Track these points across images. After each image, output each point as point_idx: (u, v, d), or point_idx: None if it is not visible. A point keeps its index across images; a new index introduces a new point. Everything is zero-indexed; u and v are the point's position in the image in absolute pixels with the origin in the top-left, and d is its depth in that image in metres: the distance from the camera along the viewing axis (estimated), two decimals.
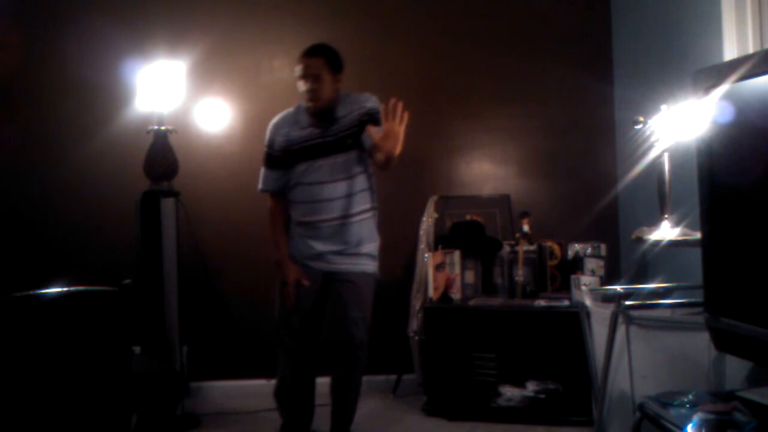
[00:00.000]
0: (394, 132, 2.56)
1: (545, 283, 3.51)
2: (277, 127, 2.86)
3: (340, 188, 2.76)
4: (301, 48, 3.82)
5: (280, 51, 3.83)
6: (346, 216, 2.77)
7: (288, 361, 2.87)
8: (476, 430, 3.16)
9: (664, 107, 2.50)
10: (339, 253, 2.79)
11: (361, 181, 2.80)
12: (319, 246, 2.79)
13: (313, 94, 2.70)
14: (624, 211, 3.79)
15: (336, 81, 2.75)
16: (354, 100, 2.79)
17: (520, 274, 3.48)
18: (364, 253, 2.82)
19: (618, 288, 2.68)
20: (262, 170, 2.92)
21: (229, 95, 3.82)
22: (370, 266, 2.84)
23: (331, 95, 2.74)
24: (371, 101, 2.78)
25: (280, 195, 2.88)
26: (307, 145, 2.79)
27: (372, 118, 2.72)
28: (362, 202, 2.80)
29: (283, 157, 2.83)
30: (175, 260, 3.27)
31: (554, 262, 3.52)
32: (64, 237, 3.69)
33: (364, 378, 3.69)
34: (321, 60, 2.71)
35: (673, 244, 2.45)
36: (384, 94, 3.82)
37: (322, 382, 2.95)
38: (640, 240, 2.54)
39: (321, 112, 2.75)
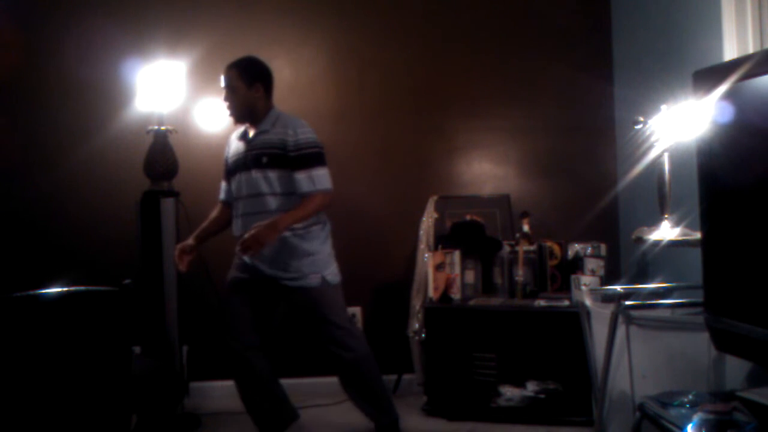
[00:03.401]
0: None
1: (545, 283, 3.51)
2: (230, 139, 2.96)
3: (255, 205, 2.74)
4: (302, 48, 3.85)
5: (280, 51, 3.83)
6: None
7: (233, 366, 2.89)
8: (476, 430, 3.16)
9: (664, 107, 2.50)
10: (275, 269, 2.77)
11: (276, 202, 2.72)
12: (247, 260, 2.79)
13: (227, 104, 2.79)
14: (624, 211, 3.79)
15: (253, 92, 2.76)
16: (283, 122, 2.75)
17: (520, 274, 3.48)
18: (296, 270, 2.75)
19: (618, 288, 2.68)
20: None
21: None
22: (311, 280, 2.76)
23: (247, 106, 2.77)
24: (303, 132, 2.71)
25: (227, 205, 2.96)
26: (235, 158, 2.85)
27: (301, 155, 2.68)
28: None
29: (226, 169, 2.94)
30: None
31: (554, 262, 3.52)
32: (64, 237, 3.69)
33: None
34: (233, 72, 2.78)
35: (673, 244, 2.45)
36: (384, 93, 3.87)
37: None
38: (640, 240, 2.54)
39: (243, 123, 2.83)
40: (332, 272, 2.82)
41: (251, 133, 2.82)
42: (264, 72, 2.84)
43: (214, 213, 2.99)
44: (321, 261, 2.79)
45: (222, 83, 2.81)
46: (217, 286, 3.65)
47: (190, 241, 2.87)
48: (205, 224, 2.97)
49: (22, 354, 1.81)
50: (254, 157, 2.75)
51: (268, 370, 2.88)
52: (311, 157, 2.70)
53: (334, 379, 3.35)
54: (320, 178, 2.70)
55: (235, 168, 2.84)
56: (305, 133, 2.72)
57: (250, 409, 2.88)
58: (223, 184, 2.98)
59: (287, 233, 2.71)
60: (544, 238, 3.57)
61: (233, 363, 2.85)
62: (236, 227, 2.83)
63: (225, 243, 3.66)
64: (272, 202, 2.73)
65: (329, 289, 2.80)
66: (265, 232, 2.59)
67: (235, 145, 2.89)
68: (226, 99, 2.80)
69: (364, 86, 3.84)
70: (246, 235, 2.60)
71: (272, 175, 2.72)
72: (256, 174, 2.74)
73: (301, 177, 2.68)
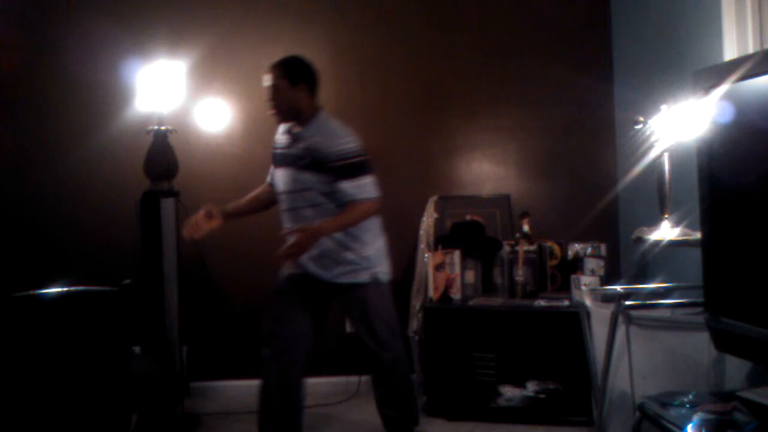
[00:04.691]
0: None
1: (545, 283, 3.51)
2: (278, 129, 2.91)
3: (293, 200, 2.73)
4: (302, 48, 3.84)
5: (280, 51, 3.77)
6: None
7: (265, 368, 2.80)
8: (476, 430, 3.16)
9: (664, 107, 2.50)
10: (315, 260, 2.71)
11: (315, 198, 2.69)
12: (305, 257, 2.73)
13: (271, 104, 2.76)
14: (624, 211, 3.79)
15: (297, 91, 2.74)
16: (327, 131, 2.71)
17: (520, 274, 3.48)
18: (347, 264, 2.71)
19: (618, 288, 2.67)
20: None
21: (229, 95, 3.82)
22: (362, 276, 2.72)
23: (291, 106, 2.74)
24: (346, 143, 2.68)
25: (272, 186, 2.92)
26: (280, 152, 2.83)
27: (348, 165, 2.64)
28: (311, 218, 2.69)
29: (273, 158, 2.90)
30: (175, 260, 3.27)
31: (554, 262, 3.52)
32: (64, 237, 3.69)
33: (365, 378, 3.71)
34: (278, 71, 2.75)
35: (673, 244, 2.45)
36: (384, 93, 3.87)
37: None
38: (640, 240, 2.54)
39: (287, 122, 2.80)
40: (383, 270, 2.78)
41: (296, 131, 2.78)
42: (308, 71, 2.80)
43: (257, 191, 2.96)
44: (373, 257, 2.74)
45: (266, 82, 2.76)
46: (217, 286, 3.66)
47: (218, 210, 2.80)
48: (242, 201, 2.92)
49: (22, 354, 1.81)
50: (296, 156, 2.72)
51: (299, 403, 2.80)
52: (357, 167, 2.66)
53: (334, 379, 3.37)
54: (367, 187, 2.67)
55: (279, 162, 2.82)
56: (349, 142, 2.69)
57: (261, 425, 2.81)
58: (271, 169, 2.93)
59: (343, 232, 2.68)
60: (544, 238, 3.57)
61: (266, 377, 2.77)
62: (284, 220, 2.79)
63: (225, 243, 3.69)
64: (312, 198, 2.69)
65: (379, 287, 2.75)
66: (306, 240, 2.57)
67: (281, 139, 2.85)
68: (270, 98, 2.75)
69: (364, 86, 3.84)
70: (289, 242, 2.58)
71: (312, 177, 2.68)
72: (296, 172, 2.72)
73: (348, 186, 2.64)
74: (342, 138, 2.70)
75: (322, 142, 2.68)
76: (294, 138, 2.77)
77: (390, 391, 2.83)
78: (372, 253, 2.75)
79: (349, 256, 2.71)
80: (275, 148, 2.87)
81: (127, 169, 3.53)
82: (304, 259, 2.70)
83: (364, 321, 2.75)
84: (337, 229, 2.64)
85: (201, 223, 2.76)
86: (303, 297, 2.76)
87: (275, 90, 2.74)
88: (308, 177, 2.69)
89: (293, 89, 2.74)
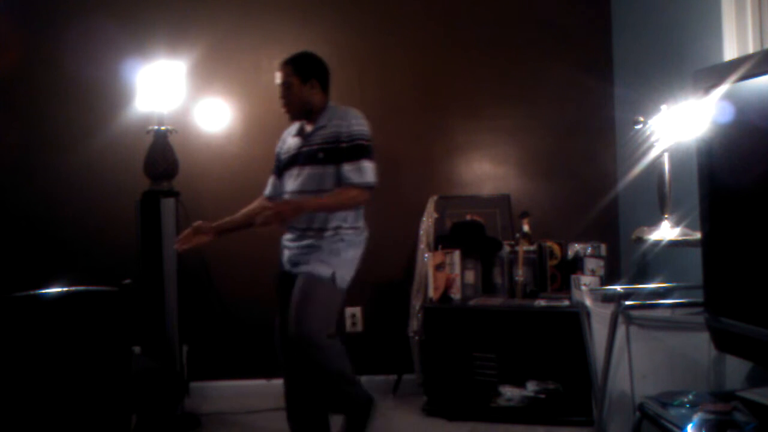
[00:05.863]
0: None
1: (545, 283, 3.51)
2: (283, 135, 2.91)
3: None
4: (301, 48, 3.85)
5: (280, 51, 3.78)
6: (308, 229, 2.66)
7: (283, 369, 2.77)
8: (476, 430, 3.16)
9: (664, 107, 2.50)
10: (299, 253, 2.69)
11: (323, 195, 2.64)
12: (287, 252, 2.75)
13: (283, 101, 2.74)
14: (624, 211, 3.79)
15: (309, 88, 2.72)
16: (339, 115, 2.70)
17: (520, 274, 3.48)
18: (318, 258, 2.63)
19: (618, 288, 2.68)
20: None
21: (229, 95, 3.82)
22: (322, 270, 2.60)
23: (303, 103, 2.72)
24: (357, 124, 2.66)
25: (271, 201, 2.89)
26: (290, 154, 2.79)
27: (352, 146, 2.63)
28: (331, 219, 2.65)
29: (277, 164, 2.89)
30: (175, 260, 3.27)
31: (554, 262, 3.52)
32: (64, 237, 3.69)
33: (365, 378, 3.71)
34: (289, 68, 2.73)
35: (673, 244, 2.45)
36: (384, 93, 3.87)
37: None
38: (640, 240, 2.54)
39: (300, 119, 2.78)
40: (344, 277, 2.65)
41: (308, 129, 2.75)
42: (320, 67, 2.78)
43: (253, 205, 2.91)
44: (340, 261, 2.64)
45: (277, 80, 2.73)
46: (217, 287, 3.66)
47: (211, 226, 2.79)
48: (236, 216, 2.89)
49: (22, 354, 1.81)
50: (310, 153, 2.69)
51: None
52: (361, 149, 2.63)
53: None
54: (366, 172, 2.62)
55: (289, 164, 2.77)
56: (359, 125, 2.67)
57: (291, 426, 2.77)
58: (272, 179, 2.91)
59: (329, 233, 2.64)
60: (544, 238, 3.57)
61: (284, 377, 2.77)
62: (294, 221, 2.72)
63: (225, 243, 3.67)
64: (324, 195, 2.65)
65: (333, 288, 2.61)
66: (286, 210, 2.51)
67: (289, 142, 2.82)
68: (282, 96, 2.72)
69: (364, 86, 3.84)
70: (269, 210, 2.52)
71: (329, 171, 2.65)
72: (310, 170, 2.68)
73: (349, 168, 2.61)
74: (356, 119, 2.68)
75: (340, 124, 2.66)
76: (307, 136, 2.74)
77: (314, 379, 2.61)
78: (341, 259, 2.65)
79: (322, 256, 2.64)
80: (281, 155, 2.85)
81: (127, 169, 3.53)
82: (285, 259, 2.73)
83: (299, 300, 2.56)
84: (319, 207, 2.62)
85: (190, 238, 2.78)
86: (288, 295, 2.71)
87: (287, 88, 2.71)
88: (325, 172, 2.65)
89: (305, 86, 2.72)
